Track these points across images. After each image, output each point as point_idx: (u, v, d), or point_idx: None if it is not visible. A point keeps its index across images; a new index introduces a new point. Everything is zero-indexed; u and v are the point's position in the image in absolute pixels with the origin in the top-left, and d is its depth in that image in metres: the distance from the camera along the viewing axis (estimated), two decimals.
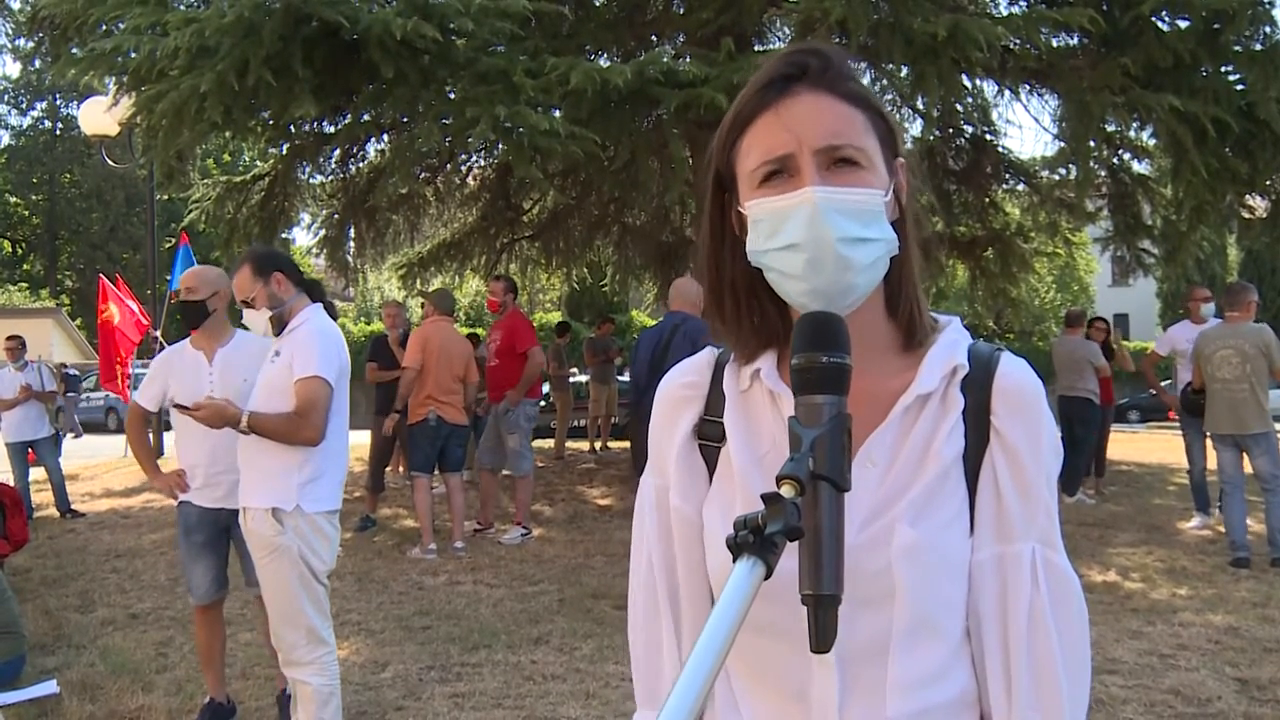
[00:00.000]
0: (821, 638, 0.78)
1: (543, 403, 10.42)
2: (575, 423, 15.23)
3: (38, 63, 10.30)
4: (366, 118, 7.86)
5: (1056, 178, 10.61)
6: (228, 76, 6.33)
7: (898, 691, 0.96)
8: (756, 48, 8.56)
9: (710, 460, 1.07)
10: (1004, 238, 12.16)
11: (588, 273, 16.32)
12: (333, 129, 8.70)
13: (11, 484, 7.53)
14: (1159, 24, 7.35)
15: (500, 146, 8.19)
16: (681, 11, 8.82)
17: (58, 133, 42.00)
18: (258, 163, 15.13)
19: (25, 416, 9.32)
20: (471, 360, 7.59)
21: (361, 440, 8.90)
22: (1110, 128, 8.69)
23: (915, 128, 9.48)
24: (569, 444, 13.49)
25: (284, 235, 12.73)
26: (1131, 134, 9.31)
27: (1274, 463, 6.65)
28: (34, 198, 42.31)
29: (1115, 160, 10.37)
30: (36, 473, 9.56)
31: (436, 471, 7.52)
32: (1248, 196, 9.14)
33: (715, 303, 1.09)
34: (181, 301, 3.98)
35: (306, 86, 6.57)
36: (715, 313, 1.09)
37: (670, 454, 1.09)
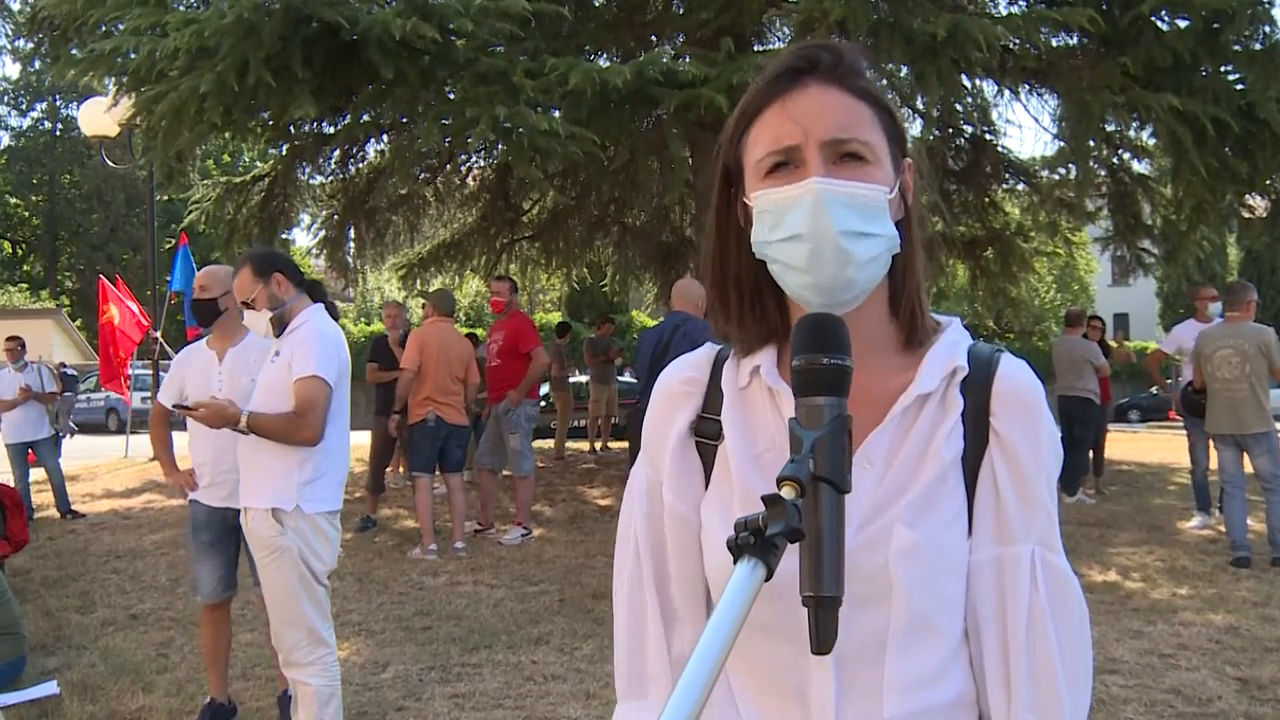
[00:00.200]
0: (822, 639, 0.78)
1: (543, 403, 10.44)
2: (575, 423, 15.23)
3: (37, 64, 10.30)
4: (366, 118, 7.87)
5: (1056, 177, 10.61)
6: (227, 77, 6.33)
7: (895, 691, 0.96)
8: (756, 48, 8.57)
9: (707, 458, 1.07)
10: (1004, 237, 12.17)
11: (588, 273, 16.33)
12: (332, 129, 8.71)
13: (12, 485, 7.53)
14: (1159, 24, 7.35)
15: (500, 147, 8.20)
16: (681, 12, 8.83)
17: (58, 134, 42.02)
18: (257, 163, 15.16)
19: (25, 417, 9.32)
20: (472, 361, 7.59)
21: (362, 441, 8.91)
22: (1110, 127, 8.70)
23: (915, 128, 9.48)
24: (569, 444, 13.48)
25: (284, 236, 12.71)
26: (1131, 134, 9.32)
27: (1274, 462, 6.65)
28: (34, 199, 42.33)
29: (1115, 160, 10.38)
30: (37, 473, 9.56)
31: (437, 472, 7.52)
32: (1247, 196, 9.14)
33: (719, 296, 1.09)
34: (195, 300, 4.05)
35: (306, 87, 6.57)
36: (719, 306, 1.09)
37: (666, 449, 1.09)
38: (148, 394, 16.19)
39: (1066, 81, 7.83)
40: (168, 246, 24.92)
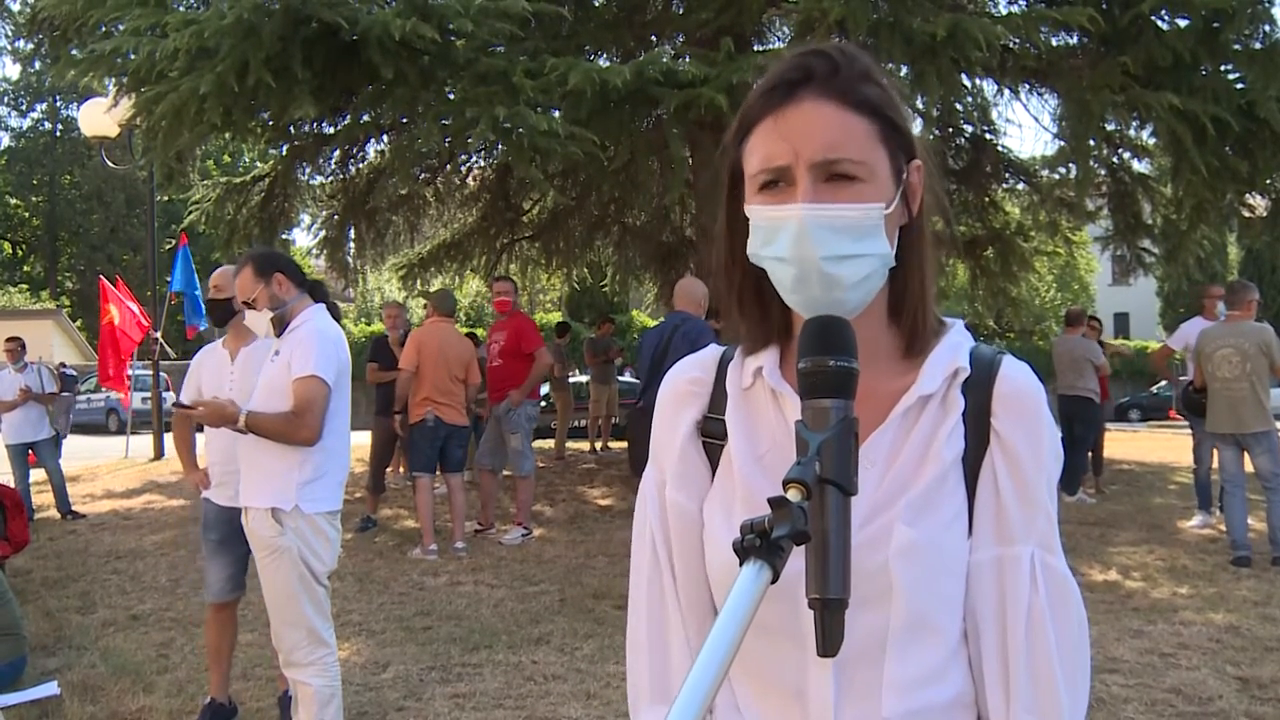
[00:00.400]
0: (829, 642, 0.78)
1: (543, 403, 10.44)
2: (575, 423, 15.23)
3: (37, 64, 10.31)
4: (366, 118, 7.87)
5: (1056, 177, 10.60)
6: (227, 78, 6.33)
7: (893, 691, 0.96)
8: (756, 48, 8.57)
9: (712, 458, 1.07)
10: (1004, 237, 12.17)
11: (588, 273, 16.32)
12: (332, 130, 8.71)
13: (12, 485, 7.53)
14: (1159, 23, 7.35)
15: (500, 147, 8.21)
16: (681, 11, 8.83)
17: (58, 134, 42.04)
18: (258, 164, 15.16)
19: (25, 418, 9.32)
20: (473, 361, 7.58)
21: (362, 441, 8.91)
22: (1110, 127, 8.70)
23: (915, 127, 9.49)
24: (569, 444, 13.49)
25: (284, 236, 12.73)
26: (1131, 133, 9.32)
27: (1274, 461, 6.65)
28: (34, 199, 42.34)
29: (1115, 159, 10.38)
30: (37, 474, 9.56)
31: (438, 472, 7.52)
32: (1248, 195, 9.14)
33: (728, 292, 1.09)
34: (209, 300, 4.10)
35: (306, 87, 6.57)
36: (733, 300, 1.08)
37: (672, 449, 1.09)
38: (148, 394, 16.18)
39: (1066, 81, 7.83)
40: (168, 247, 24.91)
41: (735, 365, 1.09)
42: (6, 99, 42.94)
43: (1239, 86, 7.38)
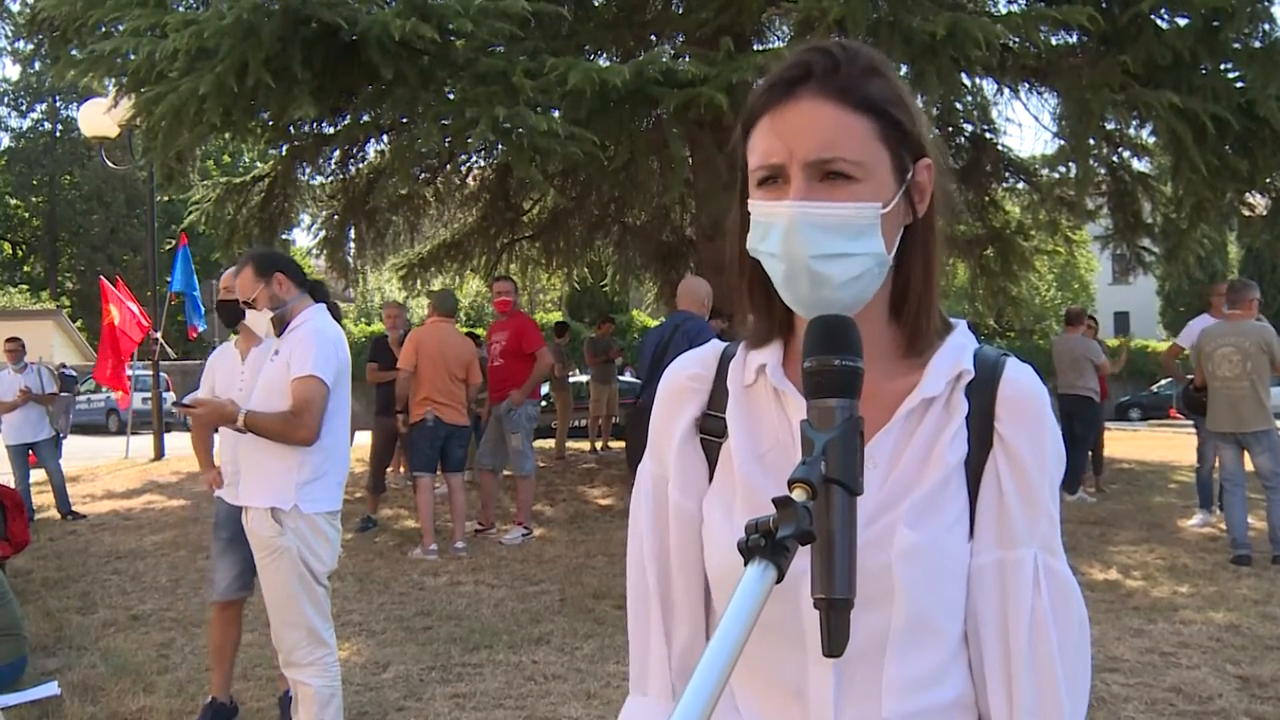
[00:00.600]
0: (834, 642, 0.78)
1: (543, 403, 10.44)
2: (576, 423, 15.23)
3: (37, 65, 10.31)
4: (366, 119, 7.87)
5: (1056, 176, 10.61)
6: (227, 78, 6.33)
7: (893, 692, 0.96)
8: (756, 47, 8.56)
9: (711, 455, 1.07)
10: (1004, 236, 12.18)
11: (588, 273, 16.32)
12: (332, 130, 8.71)
13: (12, 486, 7.53)
14: (1158, 22, 7.35)
15: (500, 147, 8.20)
16: (680, 11, 8.83)
17: (58, 135, 42.05)
18: (257, 164, 15.17)
19: (26, 418, 9.32)
20: (474, 361, 7.57)
21: (362, 441, 8.91)
22: (1110, 125, 8.70)
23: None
24: (569, 444, 13.49)
25: (284, 236, 12.73)
26: (1131, 132, 9.33)
27: (1275, 460, 6.65)
28: (34, 200, 42.35)
29: (1115, 158, 10.38)
30: (37, 474, 9.56)
31: (439, 472, 7.52)
32: (1248, 194, 9.14)
33: (740, 281, 1.08)
34: (219, 301, 4.13)
35: (306, 88, 6.57)
36: (743, 292, 1.08)
37: (671, 446, 1.09)
38: (148, 394, 16.17)
39: (1066, 80, 7.83)
40: (168, 247, 24.93)
41: (738, 361, 1.08)
42: (6, 99, 42.96)
43: (1239, 85, 7.38)
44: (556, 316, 22.77)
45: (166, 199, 22.76)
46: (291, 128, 8.44)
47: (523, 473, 7.83)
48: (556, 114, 6.78)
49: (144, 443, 14.95)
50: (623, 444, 13.80)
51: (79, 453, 14.21)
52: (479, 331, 15.04)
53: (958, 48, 6.49)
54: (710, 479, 1.07)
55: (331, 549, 3.47)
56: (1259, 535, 6.97)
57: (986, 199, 11.62)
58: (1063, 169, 9.90)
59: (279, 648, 3.47)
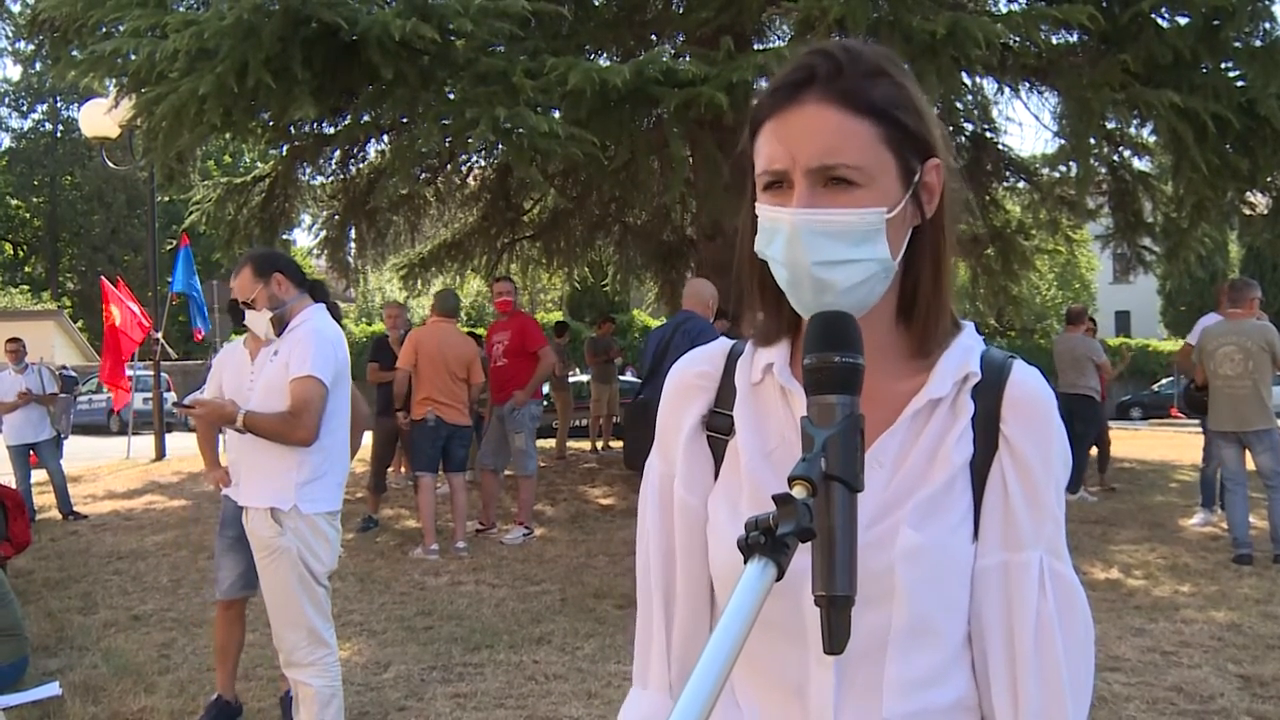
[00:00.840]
0: (835, 639, 0.78)
1: (544, 403, 10.43)
2: (576, 423, 15.24)
3: (38, 65, 10.31)
4: (366, 119, 7.86)
5: (1057, 175, 10.61)
6: (227, 78, 6.33)
7: (894, 691, 0.96)
8: (756, 46, 8.56)
9: (717, 452, 1.07)
10: (1005, 235, 12.17)
11: (589, 272, 16.33)
12: (333, 130, 8.71)
13: (13, 486, 7.53)
14: (1159, 21, 7.35)
15: (500, 147, 8.19)
16: (681, 11, 8.82)
17: (58, 135, 42.07)
18: (258, 164, 15.15)
19: (27, 419, 9.32)
20: (476, 361, 7.57)
21: (364, 441, 8.90)
22: (1111, 125, 8.70)
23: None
24: (570, 444, 13.49)
25: (285, 236, 12.74)
26: (1132, 131, 9.32)
27: (1276, 459, 6.64)
28: (35, 200, 42.38)
29: (1116, 157, 10.38)
30: (38, 475, 9.56)
31: (440, 472, 7.53)
32: (1248, 193, 9.13)
33: (750, 279, 1.08)
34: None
35: (306, 88, 6.57)
36: (753, 290, 1.08)
37: (677, 442, 1.09)
38: (149, 395, 16.18)
39: (1067, 79, 7.83)
40: (169, 248, 24.95)
41: (745, 359, 1.09)
42: (7, 100, 42.99)
43: (1239, 84, 7.37)
44: (557, 316, 22.76)
45: (167, 199, 22.74)
46: (292, 128, 8.44)
47: (525, 472, 7.83)
48: (557, 114, 6.78)
49: (145, 443, 14.95)
50: (622, 443, 13.82)
51: (80, 453, 14.21)
52: (479, 331, 15.05)
53: (958, 47, 6.48)
54: (716, 476, 1.07)
55: (331, 549, 3.47)
56: (1260, 534, 6.96)
57: (987, 198, 11.60)
58: (1063, 168, 9.90)
59: (280, 648, 3.47)
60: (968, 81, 8.20)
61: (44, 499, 9.60)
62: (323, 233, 12.14)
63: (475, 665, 4.69)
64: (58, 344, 28.70)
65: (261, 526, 3.37)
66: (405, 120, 7.87)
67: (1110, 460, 10.34)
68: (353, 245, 12.38)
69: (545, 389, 12.12)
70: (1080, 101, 7.51)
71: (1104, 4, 7.20)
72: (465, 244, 13.29)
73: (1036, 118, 11.01)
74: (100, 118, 11.54)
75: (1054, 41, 7.74)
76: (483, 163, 11.96)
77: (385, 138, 9.52)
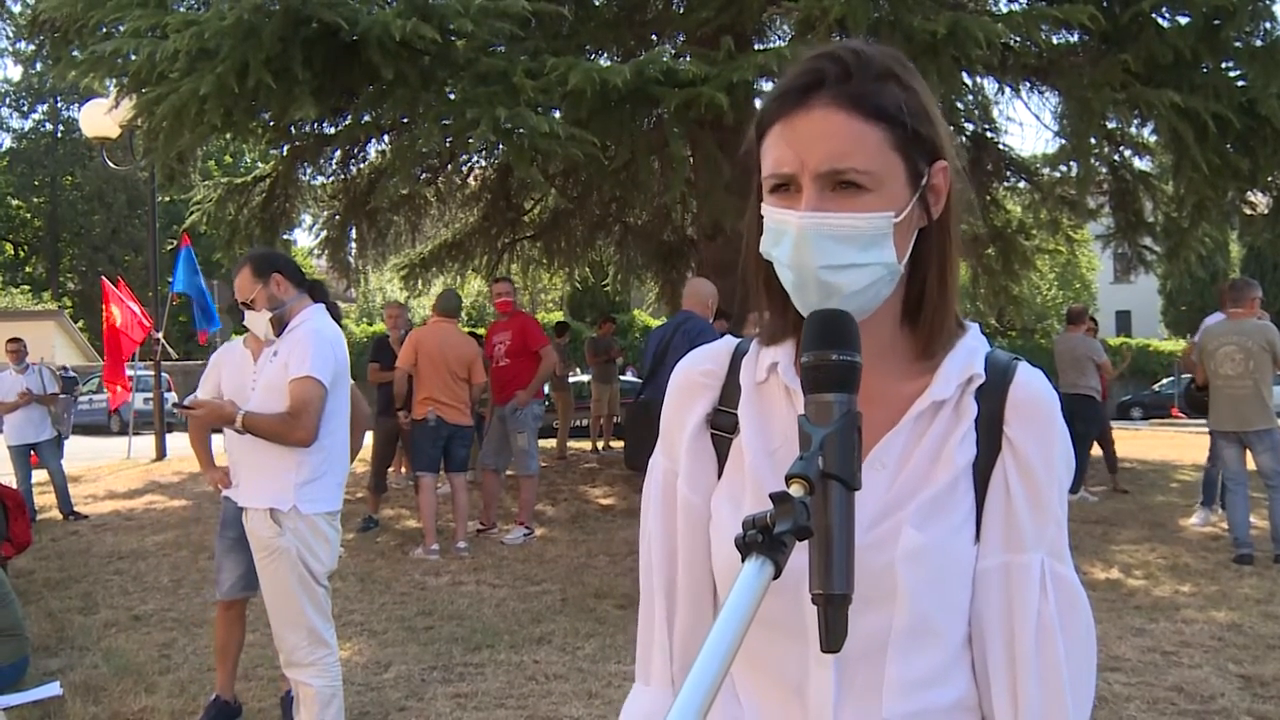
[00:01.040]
0: (832, 638, 0.78)
1: (546, 403, 10.45)
2: (577, 423, 15.24)
3: (39, 65, 10.31)
4: (367, 119, 7.86)
5: (1058, 175, 10.60)
6: (228, 79, 6.33)
7: (894, 691, 0.96)
8: (756, 47, 8.56)
9: (721, 450, 1.07)
10: (1005, 235, 12.17)
11: (589, 272, 16.33)
12: (333, 130, 8.71)
13: (14, 486, 7.53)
14: (1159, 20, 7.34)
15: (501, 147, 8.20)
16: (681, 11, 8.82)
17: (59, 135, 42.09)
18: (259, 164, 15.17)
19: (28, 419, 9.33)
20: (477, 361, 7.57)
21: (365, 441, 8.90)
22: (1111, 124, 8.69)
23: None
24: (571, 444, 13.49)
25: (285, 236, 12.73)
26: (1133, 131, 9.32)
27: (1277, 459, 6.64)
28: (35, 200, 42.40)
29: (1116, 157, 10.37)
30: (39, 475, 9.56)
31: (441, 472, 7.53)
32: (1249, 192, 9.13)
33: (755, 279, 1.08)
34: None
35: (306, 88, 6.57)
36: (759, 290, 1.08)
37: (681, 440, 1.09)
38: (149, 395, 16.18)
39: (1067, 79, 7.82)
40: (169, 248, 24.95)
41: (750, 358, 1.09)
42: (8, 100, 43.01)
43: (1240, 84, 7.37)
44: (558, 316, 22.78)
45: (168, 199, 22.76)
46: (292, 128, 8.44)
47: (527, 472, 7.83)
48: (557, 114, 6.78)
49: (146, 443, 14.95)
50: (623, 443, 13.82)
51: (81, 453, 14.22)
52: (480, 331, 15.06)
53: (959, 47, 6.48)
54: (720, 475, 1.07)
55: (331, 550, 3.46)
56: (1261, 534, 6.96)
57: (988, 198, 11.60)
58: (1064, 168, 9.89)
59: (280, 648, 3.48)
60: (968, 81, 8.20)
61: (45, 499, 9.60)
62: (323, 233, 12.14)
63: (476, 665, 4.69)
64: (58, 344, 28.71)
65: (261, 527, 3.37)
66: (406, 120, 7.87)
67: (1117, 460, 10.34)
68: (353, 245, 12.38)
69: (545, 389, 12.15)
70: (1081, 101, 7.51)
71: (1104, 4, 7.20)
72: (466, 244, 13.29)
73: (1037, 117, 11.04)
74: (101, 118, 11.54)
75: (1055, 41, 7.74)
76: (483, 163, 11.96)
77: (386, 138, 9.53)
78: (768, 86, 7.15)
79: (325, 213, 12.02)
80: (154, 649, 5.03)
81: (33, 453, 9.41)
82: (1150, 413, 27.10)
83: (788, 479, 0.78)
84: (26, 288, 40.31)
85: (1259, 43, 7.38)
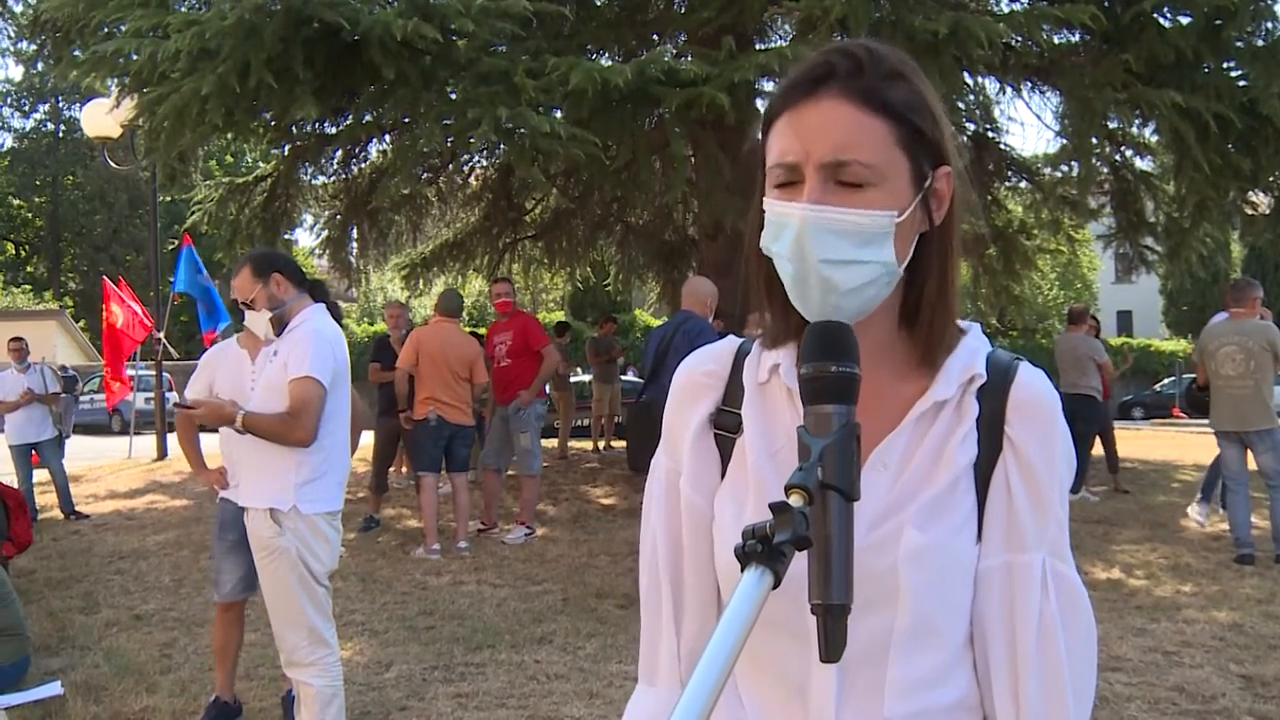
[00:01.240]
0: (831, 648, 0.78)
1: (548, 403, 10.44)
2: (578, 422, 15.24)
3: (40, 65, 10.31)
4: (368, 119, 7.87)
5: (1059, 175, 10.60)
6: (229, 78, 6.33)
7: (896, 692, 0.96)
8: (758, 46, 8.56)
9: (724, 450, 1.07)
10: (1007, 235, 12.16)
11: (590, 272, 16.33)
12: (334, 130, 8.71)
13: (15, 486, 7.54)
14: (1161, 20, 7.34)
15: (502, 147, 8.20)
16: (682, 10, 8.82)
17: (60, 135, 42.12)
18: (260, 164, 15.16)
19: (29, 418, 9.34)
20: (479, 361, 7.57)
21: (366, 440, 8.91)
22: (1112, 124, 8.68)
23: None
24: (572, 444, 13.49)
25: (286, 236, 12.74)
26: (1134, 130, 9.31)
27: (1277, 459, 6.64)
28: (37, 200, 42.43)
29: (1118, 157, 10.37)
30: (40, 474, 9.57)
31: (442, 471, 7.53)
32: (1250, 192, 9.13)
33: (757, 278, 1.08)
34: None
35: (308, 88, 6.57)
36: (760, 290, 1.07)
37: (684, 440, 1.09)
38: (150, 394, 16.19)
39: (1069, 78, 7.82)
40: (170, 248, 24.96)
41: (753, 358, 1.08)
42: (9, 100, 43.04)
43: (1241, 84, 7.36)
44: (559, 316, 22.78)
45: (169, 199, 22.77)
46: (294, 128, 8.45)
47: (530, 472, 7.83)
48: (558, 114, 6.78)
49: (147, 443, 14.96)
50: (625, 443, 13.82)
51: (82, 453, 14.23)
52: (481, 331, 15.06)
53: (960, 46, 6.48)
54: (723, 474, 1.07)
55: (331, 550, 3.46)
56: (1262, 534, 6.96)
57: (989, 198, 11.60)
58: (1065, 168, 9.89)
59: (281, 648, 3.48)
60: (970, 81, 8.20)
61: (46, 498, 9.61)
62: (324, 233, 12.14)
63: (477, 665, 4.69)
64: (60, 344, 28.74)
65: (261, 527, 3.37)
66: (407, 120, 7.87)
67: (1118, 460, 10.34)
68: (354, 245, 12.39)
69: (547, 389, 12.15)
70: (1082, 101, 7.51)
71: (1106, 4, 7.19)
72: (467, 244, 13.30)
73: (1038, 117, 11.04)
74: (102, 118, 11.55)
75: (1056, 41, 7.74)
76: (484, 163, 11.96)
77: (387, 138, 9.54)
78: (769, 86, 7.16)
79: (326, 212, 12.03)
80: (155, 648, 5.04)
81: (34, 452, 9.42)
82: (1151, 413, 27.09)
83: (787, 489, 0.78)
84: (28, 287, 40.32)
85: (1260, 42, 7.37)
